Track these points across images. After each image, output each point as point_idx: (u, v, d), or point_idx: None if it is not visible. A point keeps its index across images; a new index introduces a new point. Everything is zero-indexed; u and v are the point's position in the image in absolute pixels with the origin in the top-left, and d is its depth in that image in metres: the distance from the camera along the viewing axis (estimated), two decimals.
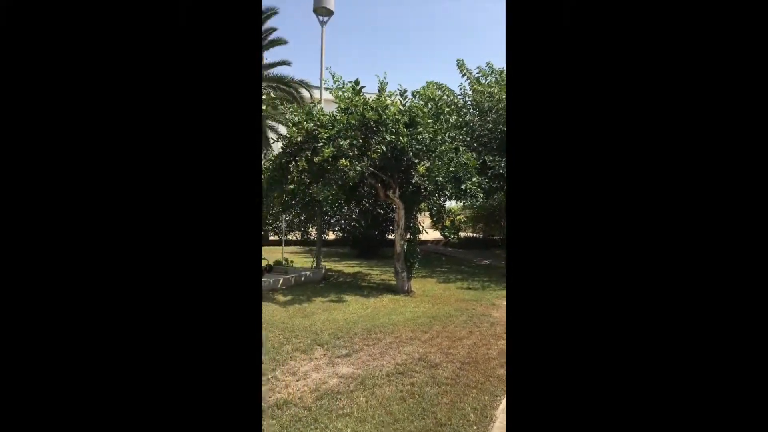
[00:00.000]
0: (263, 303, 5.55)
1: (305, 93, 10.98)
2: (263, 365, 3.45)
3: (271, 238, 12.84)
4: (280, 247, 10.31)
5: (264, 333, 4.29)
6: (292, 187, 5.59)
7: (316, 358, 3.67)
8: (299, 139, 5.56)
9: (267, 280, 6.65)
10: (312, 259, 8.56)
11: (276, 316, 4.95)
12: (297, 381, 3.19)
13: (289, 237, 13.30)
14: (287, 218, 11.34)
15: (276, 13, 11.30)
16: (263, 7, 11.28)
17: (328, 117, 5.72)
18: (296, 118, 5.67)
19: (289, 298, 5.96)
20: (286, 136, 5.94)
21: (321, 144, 5.33)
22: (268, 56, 12.94)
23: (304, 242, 13.13)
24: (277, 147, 7.41)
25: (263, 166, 6.47)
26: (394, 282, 6.89)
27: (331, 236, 13.74)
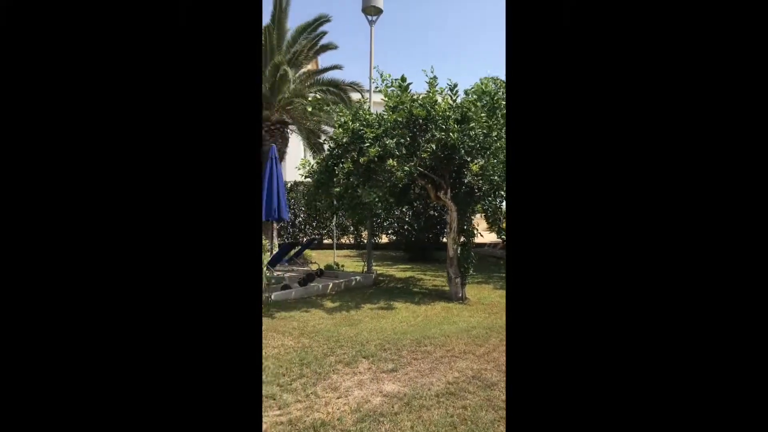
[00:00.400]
0: (311, 309, 5.42)
1: (358, 96, 10.91)
2: (304, 379, 3.26)
3: (326, 241, 12.89)
4: (334, 251, 10.25)
5: (308, 342, 4.12)
6: (338, 189, 5.42)
7: (359, 372, 3.42)
8: (344, 140, 5.38)
9: (316, 285, 6.55)
10: (363, 263, 8.40)
11: (322, 323, 4.78)
12: (338, 398, 2.95)
13: (342, 240, 13.29)
14: (337, 221, 11.30)
15: (328, 20, 11.36)
16: (316, 14, 11.42)
17: (374, 116, 5.49)
18: (342, 119, 5.50)
19: (336, 304, 5.79)
20: (332, 137, 5.79)
21: (367, 144, 5.11)
22: (321, 61, 13.07)
23: (357, 246, 13.06)
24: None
25: (313, 169, 6.38)
26: (447, 288, 6.51)
27: (384, 239, 13.57)
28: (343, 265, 8.41)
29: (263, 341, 4.12)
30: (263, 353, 3.78)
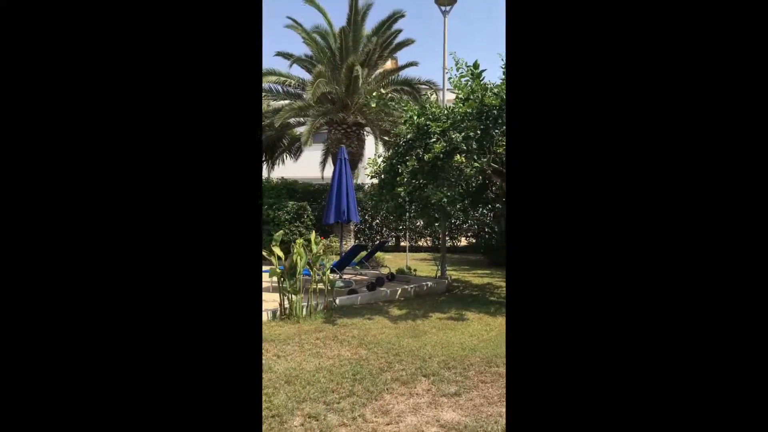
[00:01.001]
0: (375, 317, 5.13)
1: (432, 95, 10.52)
2: (354, 397, 2.96)
3: (402, 243, 12.64)
4: (407, 254, 9.93)
5: (365, 354, 3.82)
6: (400, 189, 5.06)
7: (417, 394, 3.03)
8: (409, 137, 5.02)
9: (384, 290, 6.26)
10: (437, 268, 7.95)
11: (383, 333, 4.46)
12: (387, 425, 2.60)
13: (420, 243, 12.92)
14: (412, 223, 10.95)
15: (402, 16, 11.12)
16: (390, 11, 11.25)
17: (441, 109, 5.06)
18: (408, 114, 5.14)
19: (403, 312, 5.44)
20: (396, 134, 5.46)
21: (433, 140, 4.69)
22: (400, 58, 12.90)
23: (434, 248, 12.61)
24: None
25: (380, 169, 6.11)
26: None
27: (463, 242, 12.94)
28: (415, 269, 8.04)
29: (320, 350, 3.92)
30: (317, 363, 3.56)
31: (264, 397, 2.90)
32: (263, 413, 2.70)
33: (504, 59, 5.08)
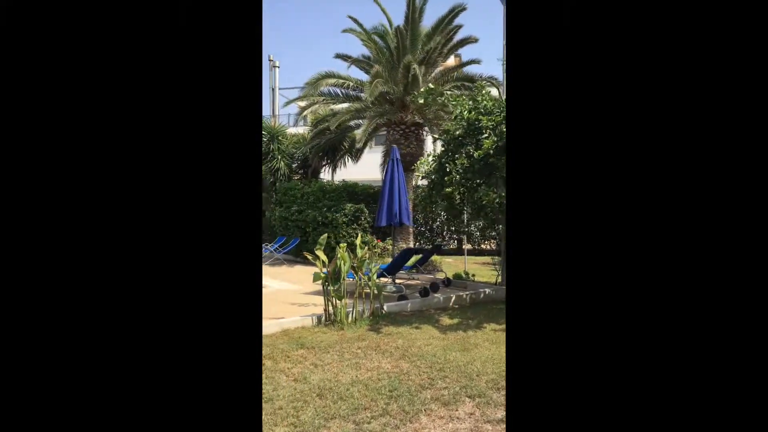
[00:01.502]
0: (423, 326, 4.84)
1: (494, 92, 9.98)
2: (387, 417, 2.71)
3: (465, 246, 12.15)
4: (464, 258, 9.47)
5: (406, 367, 3.56)
6: (449, 189, 4.71)
7: (458, 418, 2.71)
8: (458, 133, 4.66)
9: (437, 296, 5.94)
10: (498, 273, 7.45)
11: (430, 344, 4.15)
12: None
13: (483, 246, 12.34)
14: (464, 225, 10.41)
15: (464, 9, 10.68)
16: (450, 5, 10.86)
17: (496, 103, 4.64)
18: (457, 110, 4.78)
19: (455, 321, 5.08)
20: (445, 131, 5.11)
21: (484, 135, 4.30)
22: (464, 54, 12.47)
23: (498, 252, 11.95)
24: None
25: (430, 169, 5.80)
26: None
27: None
28: (473, 275, 7.60)
29: (360, 360, 3.72)
30: (354, 376, 3.37)
31: (292, 411, 2.76)
32: (288, 429, 2.55)
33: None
